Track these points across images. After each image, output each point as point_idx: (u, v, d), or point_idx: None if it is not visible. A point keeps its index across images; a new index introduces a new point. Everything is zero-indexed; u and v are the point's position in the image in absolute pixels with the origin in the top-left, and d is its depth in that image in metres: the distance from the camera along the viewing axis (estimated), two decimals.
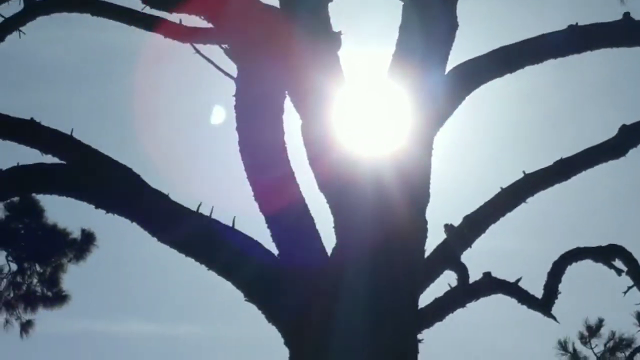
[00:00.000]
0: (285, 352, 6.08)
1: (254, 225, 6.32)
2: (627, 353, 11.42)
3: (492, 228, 6.77)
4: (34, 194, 8.90)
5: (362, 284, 5.95)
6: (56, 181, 6.34)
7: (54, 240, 10.04)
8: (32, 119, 6.36)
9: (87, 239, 10.21)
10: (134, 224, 6.32)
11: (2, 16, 7.00)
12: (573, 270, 7.22)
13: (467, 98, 6.72)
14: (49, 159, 6.38)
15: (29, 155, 6.38)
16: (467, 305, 6.68)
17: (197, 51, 6.72)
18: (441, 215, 6.68)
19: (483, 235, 6.75)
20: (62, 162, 6.37)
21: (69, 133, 6.36)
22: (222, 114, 6.17)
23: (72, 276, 10.53)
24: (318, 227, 6.32)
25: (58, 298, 10.55)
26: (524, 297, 6.92)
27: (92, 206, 6.34)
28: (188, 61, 6.83)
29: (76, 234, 10.22)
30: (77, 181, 6.32)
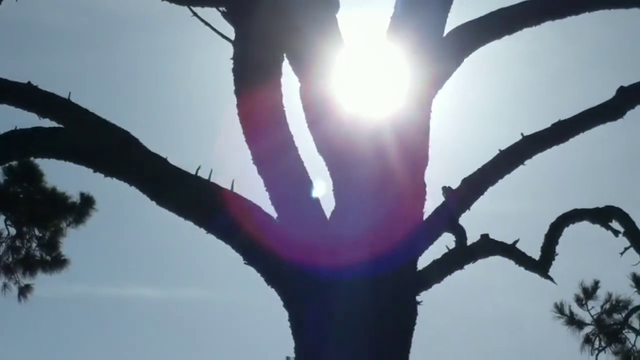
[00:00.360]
0: (285, 314, 6.11)
1: (253, 189, 6.33)
2: (624, 314, 11.47)
3: (491, 190, 6.78)
4: (32, 158, 8.89)
5: (361, 247, 5.97)
6: (54, 145, 6.33)
7: (53, 204, 10.03)
8: (29, 82, 6.34)
9: (87, 203, 10.20)
10: (133, 187, 6.32)
11: None
12: (570, 232, 7.24)
13: (466, 60, 6.71)
14: (47, 122, 6.37)
15: (27, 119, 6.37)
16: (465, 267, 6.70)
17: (195, 14, 6.68)
18: (440, 177, 6.69)
19: (481, 198, 6.76)
20: (60, 125, 6.36)
21: (66, 97, 6.34)
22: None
23: (72, 240, 10.55)
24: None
25: (57, 262, 10.55)
26: (521, 259, 6.93)
27: (91, 170, 6.34)
28: (185, 24, 6.80)
29: (75, 197, 10.21)
30: (75, 145, 6.30)
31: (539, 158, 6.89)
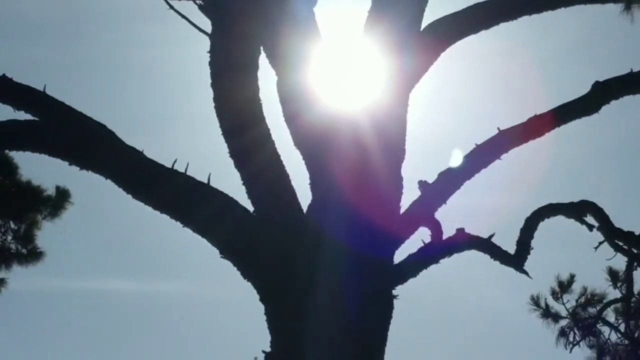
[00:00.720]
0: (260, 308, 6.11)
1: (230, 182, 6.32)
2: (599, 308, 11.52)
3: (467, 184, 6.79)
4: (7, 151, 8.84)
5: (340, 240, 5.97)
6: (29, 138, 6.29)
7: (28, 196, 9.98)
8: (4, 75, 6.30)
9: (62, 196, 10.15)
10: (109, 181, 6.29)
11: None
12: (545, 227, 7.26)
13: (443, 55, 6.72)
14: (22, 115, 6.34)
15: (1, 112, 6.34)
16: (441, 261, 6.71)
17: (171, 7, 6.66)
18: (416, 171, 6.69)
19: (457, 192, 6.77)
20: (35, 118, 6.33)
21: (41, 89, 6.31)
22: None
23: (47, 234, 10.50)
24: (292, 183, 6.33)
25: (33, 255, 10.50)
26: (496, 253, 6.95)
27: (66, 163, 6.31)
28: (161, 17, 6.77)
29: (51, 190, 10.15)
30: (50, 138, 6.27)
31: (515, 152, 6.91)
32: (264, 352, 5.99)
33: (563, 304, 11.88)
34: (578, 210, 7.27)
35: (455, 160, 6.29)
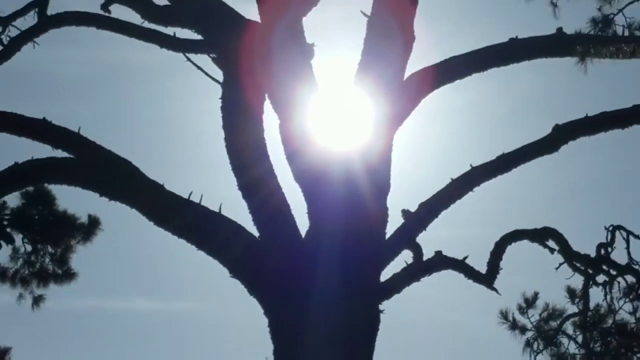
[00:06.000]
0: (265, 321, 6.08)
1: (238, 211, 6.32)
2: (559, 322, 11.50)
3: (444, 217, 6.78)
4: (46, 184, 8.84)
5: (334, 261, 5.97)
6: (66, 173, 6.31)
7: (64, 224, 9.97)
8: (44, 118, 6.32)
9: (93, 223, 10.14)
10: (134, 210, 6.29)
11: (19, 29, 7.09)
12: (512, 251, 7.25)
13: (425, 103, 6.76)
14: (59, 153, 6.34)
15: (42, 150, 6.34)
16: (421, 279, 6.69)
17: (189, 59, 6.71)
18: (400, 202, 6.70)
19: (436, 224, 6.76)
20: (71, 156, 6.34)
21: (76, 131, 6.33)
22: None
23: (80, 257, 10.48)
24: (292, 212, 6.33)
25: (67, 275, 10.48)
26: (470, 273, 6.93)
27: (97, 195, 6.31)
28: (180, 71, 6.82)
29: (83, 219, 10.15)
30: (83, 173, 6.28)
31: (486, 187, 6.90)
32: (267, 359, 5.96)
33: (528, 318, 11.83)
34: (541, 235, 7.26)
35: None
